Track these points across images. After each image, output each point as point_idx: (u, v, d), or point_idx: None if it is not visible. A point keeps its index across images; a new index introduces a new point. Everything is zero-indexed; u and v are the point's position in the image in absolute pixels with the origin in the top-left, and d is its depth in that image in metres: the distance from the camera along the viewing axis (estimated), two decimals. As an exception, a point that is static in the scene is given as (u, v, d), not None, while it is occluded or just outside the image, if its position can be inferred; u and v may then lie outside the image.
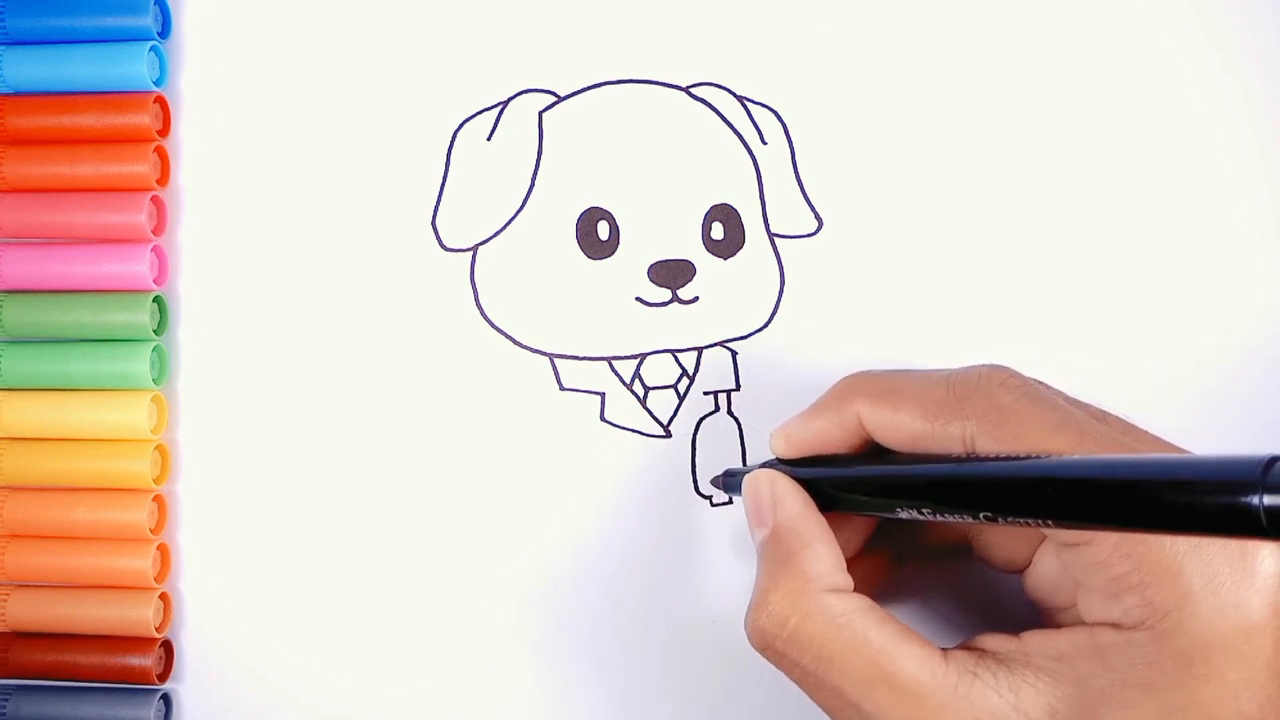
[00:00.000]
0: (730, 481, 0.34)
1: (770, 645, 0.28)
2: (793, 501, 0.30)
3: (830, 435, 0.30)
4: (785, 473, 0.30)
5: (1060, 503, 0.23)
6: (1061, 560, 0.28)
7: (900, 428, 0.28)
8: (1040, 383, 0.28)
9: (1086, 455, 0.24)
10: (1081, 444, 0.26)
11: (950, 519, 0.26)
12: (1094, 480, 0.22)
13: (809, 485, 0.30)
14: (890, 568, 0.33)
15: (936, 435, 0.28)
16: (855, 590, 0.28)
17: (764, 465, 0.32)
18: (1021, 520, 0.24)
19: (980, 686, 0.26)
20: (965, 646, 0.28)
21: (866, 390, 0.29)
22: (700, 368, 0.36)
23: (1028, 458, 0.25)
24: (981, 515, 0.25)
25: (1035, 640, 0.27)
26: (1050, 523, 0.24)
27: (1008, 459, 0.25)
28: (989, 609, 0.34)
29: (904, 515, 0.27)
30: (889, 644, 0.27)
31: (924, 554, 0.33)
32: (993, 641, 0.27)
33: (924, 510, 0.27)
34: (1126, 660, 0.25)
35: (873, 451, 0.30)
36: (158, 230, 0.36)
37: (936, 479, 0.26)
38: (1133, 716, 0.25)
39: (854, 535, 0.31)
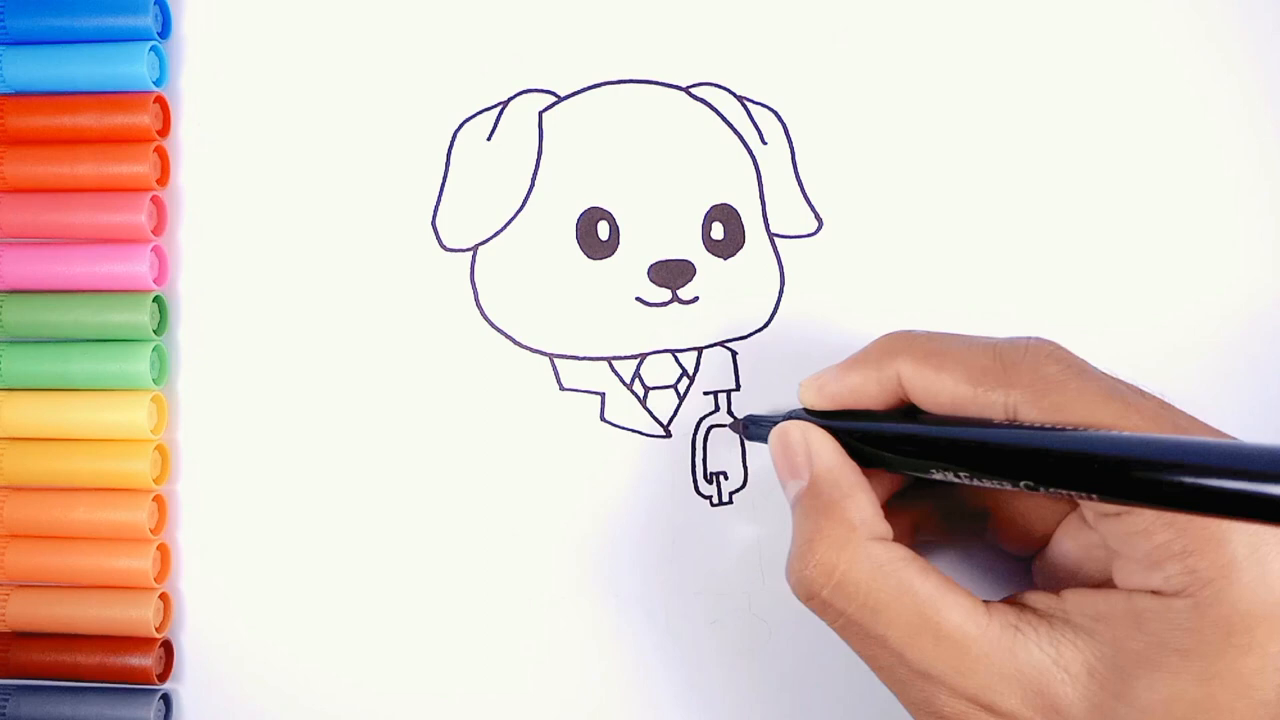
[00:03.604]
0: (755, 430, 0.33)
1: (816, 595, 0.28)
2: (829, 451, 0.29)
3: (866, 391, 0.30)
4: (816, 424, 0.30)
5: (1110, 479, 0.23)
6: (1098, 529, 0.27)
7: (942, 391, 0.28)
8: (1083, 359, 0.28)
9: (1136, 433, 0.24)
10: (1126, 416, 0.26)
11: (987, 484, 0.26)
12: (1145, 460, 0.22)
13: (836, 437, 0.30)
14: (911, 535, 0.33)
15: (978, 401, 0.27)
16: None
17: (789, 416, 0.31)
18: (1064, 492, 0.24)
19: (1022, 640, 0.26)
20: (1007, 601, 0.28)
21: (911, 349, 0.29)
22: (700, 368, 0.36)
23: (1076, 430, 0.25)
24: (1022, 483, 0.25)
25: (1074, 599, 0.27)
26: (1094, 496, 0.23)
27: (1058, 430, 0.25)
28: (1001, 586, 0.34)
29: (938, 476, 0.27)
30: (935, 593, 0.27)
31: (936, 529, 0.33)
32: (1034, 599, 0.27)
33: (961, 473, 0.26)
34: (1164, 626, 0.25)
35: (905, 411, 0.30)
36: (158, 230, 0.36)
37: (984, 443, 0.26)
38: (1169, 681, 0.25)
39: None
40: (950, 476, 0.27)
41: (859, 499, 0.28)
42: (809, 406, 0.31)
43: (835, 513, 0.28)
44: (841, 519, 0.28)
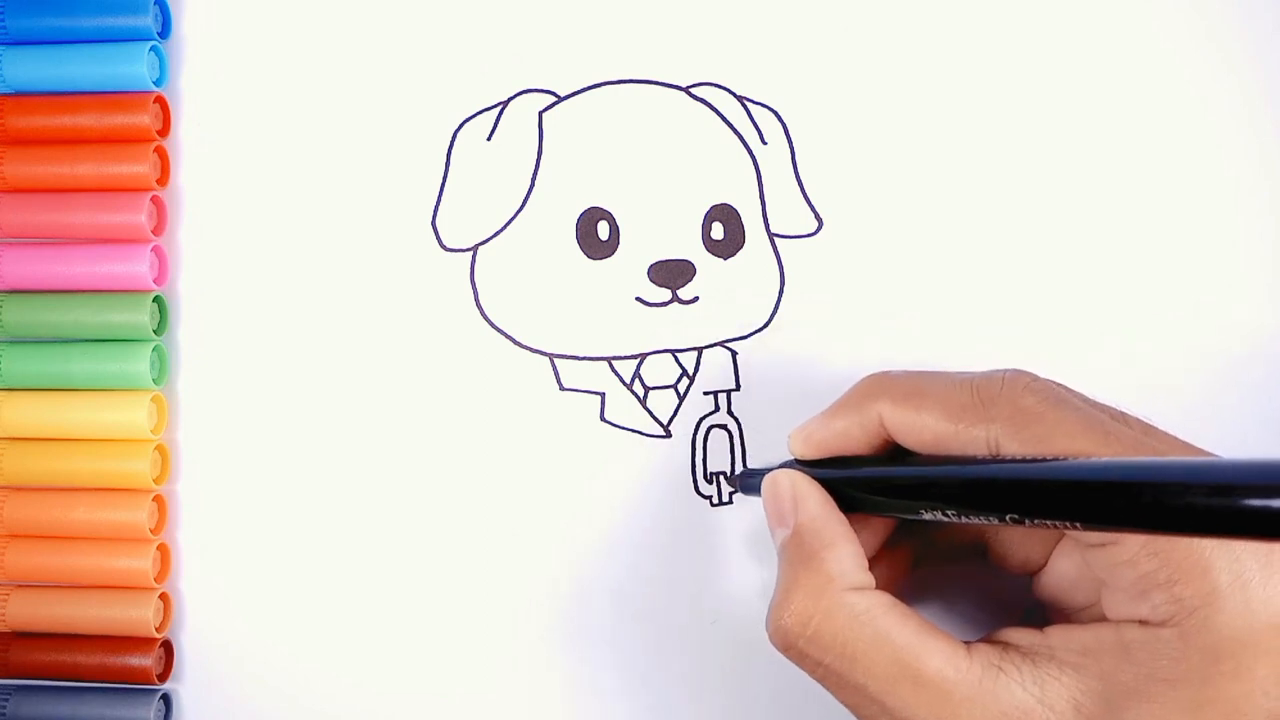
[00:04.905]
0: (748, 483, 0.33)
1: (793, 645, 0.28)
2: (814, 501, 0.29)
3: (850, 435, 0.30)
4: (805, 473, 0.30)
5: (1090, 506, 0.23)
6: (1085, 560, 0.27)
7: (924, 429, 0.28)
8: (1062, 386, 0.28)
9: (1114, 458, 0.24)
10: (1106, 445, 0.26)
11: (975, 520, 0.26)
12: (1124, 484, 0.22)
13: (828, 486, 0.30)
14: (907, 569, 0.33)
15: (960, 438, 0.27)
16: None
17: (782, 466, 0.31)
18: (1048, 522, 0.24)
19: (1005, 680, 0.26)
20: (989, 640, 0.28)
21: (890, 391, 0.29)
22: (700, 368, 0.36)
23: (1055, 460, 0.25)
24: (1008, 517, 0.25)
25: (1059, 635, 0.27)
26: (1078, 525, 0.23)
27: (1036, 461, 0.25)
28: (1006, 608, 0.34)
29: (927, 516, 0.27)
30: (912, 640, 0.27)
31: (938, 556, 0.33)
32: (1016, 635, 0.27)
33: (948, 512, 0.26)
34: (1152, 656, 0.25)
35: (892, 453, 0.30)
36: (158, 230, 0.36)
37: (965, 480, 0.26)
38: (1158, 711, 0.25)
39: (870, 538, 0.31)
40: (939, 516, 0.27)
41: (840, 549, 0.28)
42: (798, 456, 0.31)
43: (814, 563, 0.28)
44: (819, 569, 0.28)
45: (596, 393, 0.36)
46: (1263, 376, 0.36)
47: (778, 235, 0.36)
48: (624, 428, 0.36)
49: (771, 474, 0.31)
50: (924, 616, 0.28)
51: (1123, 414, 0.27)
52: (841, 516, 0.29)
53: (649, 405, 0.36)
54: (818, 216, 0.36)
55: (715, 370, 0.36)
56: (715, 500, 0.35)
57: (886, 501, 0.29)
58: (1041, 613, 0.31)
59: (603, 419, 0.36)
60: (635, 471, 0.35)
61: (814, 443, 0.30)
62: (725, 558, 0.35)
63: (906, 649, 0.27)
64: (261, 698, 0.35)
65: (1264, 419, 0.36)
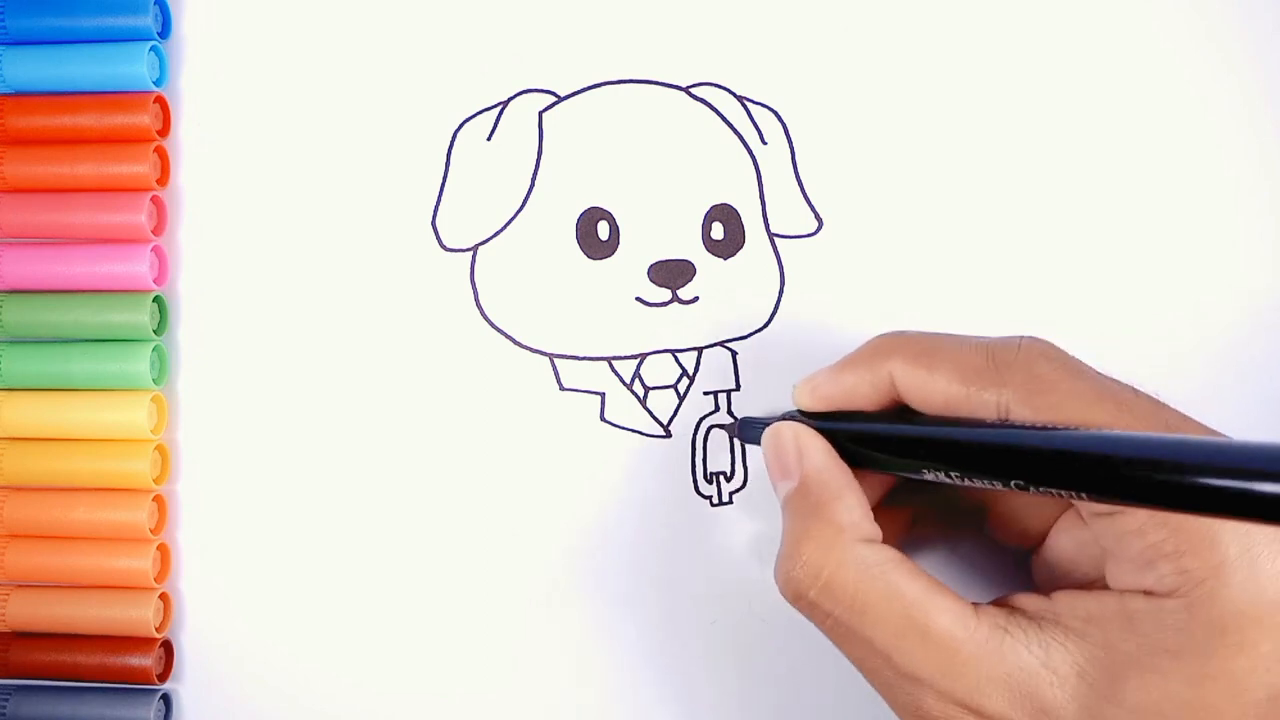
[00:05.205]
0: (749, 433, 0.33)
1: (803, 596, 0.28)
2: (820, 453, 0.29)
3: (859, 391, 0.30)
4: (809, 425, 0.30)
5: (1099, 478, 0.23)
6: (1090, 528, 0.27)
7: (935, 390, 0.28)
8: (1077, 359, 0.28)
9: (1125, 431, 0.24)
10: (1119, 417, 0.26)
11: (978, 484, 0.26)
12: (1136, 459, 0.22)
13: (830, 439, 0.30)
14: (902, 532, 0.33)
15: (971, 401, 0.27)
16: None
17: (784, 417, 0.31)
18: (1055, 491, 0.24)
19: (1011, 642, 0.26)
20: (996, 603, 0.28)
21: (903, 349, 0.29)
22: (700, 368, 0.36)
23: (1067, 429, 0.25)
24: (1013, 483, 0.25)
25: (1064, 601, 0.27)
26: (1084, 496, 0.23)
27: (1047, 429, 0.25)
28: (997, 579, 0.34)
29: (929, 477, 0.27)
30: (922, 596, 0.27)
31: (934, 521, 0.33)
32: (1023, 600, 0.27)
33: (952, 474, 0.26)
34: (1156, 627, 0.25)
35: (899, 412, 0.30)
36: (158, 230, 0.36)
37: (975, 444, 0.26)
38: (1160, 683, 0.25)
39: (867, 496, 0.31)
40: (941, 477, 0.27)
41: (848, 500, 0.28)
42: (802, 408, 0.31)
43: (824, 514, 0.28)
44: (829, 520, 0.28)
45: (596, 393, 0.36)
46: (1263, 356, 0.36)
47: (778, 235, 0.36)
48: (624, 428, 0.36)
49: (774, 426, 0.31)
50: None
51: (1134, 389, 0.27)
52: (846, 469, 0.29)
53: (649, 405, 0.36)
54: (818, 216, 0.36)
55: (715, 370, 0.36)
56: (715, 500, 0.35)
57: (889, 459, 0.29)
58: (1045, 584, 0.30)
59: (603, 419, 0.36)
60: (635, 471, 0.35)
61: (820, 396, 0.30)
62: (725, 558, 0.35)
63: (916, 604, 0.27)
64: (261, 698, 0.35)
65: (1264, 399, 0.35)
